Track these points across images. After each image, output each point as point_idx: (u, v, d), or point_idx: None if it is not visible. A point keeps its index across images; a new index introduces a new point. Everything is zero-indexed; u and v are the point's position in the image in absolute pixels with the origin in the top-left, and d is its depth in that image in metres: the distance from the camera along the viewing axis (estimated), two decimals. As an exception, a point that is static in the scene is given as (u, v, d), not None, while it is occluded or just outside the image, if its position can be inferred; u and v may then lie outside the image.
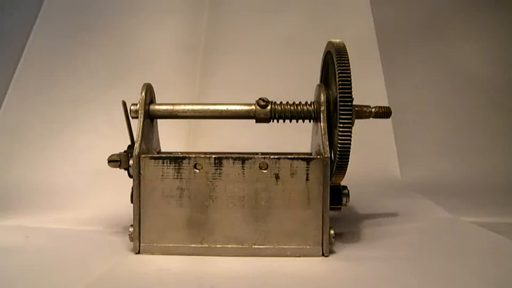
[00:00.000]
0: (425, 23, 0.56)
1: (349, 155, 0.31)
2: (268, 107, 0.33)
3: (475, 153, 0.50)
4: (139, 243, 0.31)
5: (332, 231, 0.31)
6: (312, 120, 0.34)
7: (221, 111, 0.34)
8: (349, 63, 0.31)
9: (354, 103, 0.31)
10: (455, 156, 0.49)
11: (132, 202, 0.31)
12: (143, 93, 0.33)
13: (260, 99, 0.34)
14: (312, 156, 0.31)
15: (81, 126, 0.49)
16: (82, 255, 0.31)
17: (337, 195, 0.32)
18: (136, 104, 0.33)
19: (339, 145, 0.30)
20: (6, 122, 0.50)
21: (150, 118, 0.34)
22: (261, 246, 0.31)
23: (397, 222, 0.38)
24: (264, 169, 0.31)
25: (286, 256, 0.31)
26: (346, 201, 0.33)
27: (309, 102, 0.34)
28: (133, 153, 0.31)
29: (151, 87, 0.34)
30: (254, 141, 0.41)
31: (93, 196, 0.43)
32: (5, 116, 0.51)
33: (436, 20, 0.56)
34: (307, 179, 0.31)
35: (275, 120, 0.34)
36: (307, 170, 0.30)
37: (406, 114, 0.47)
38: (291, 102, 0.34)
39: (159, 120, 0.35)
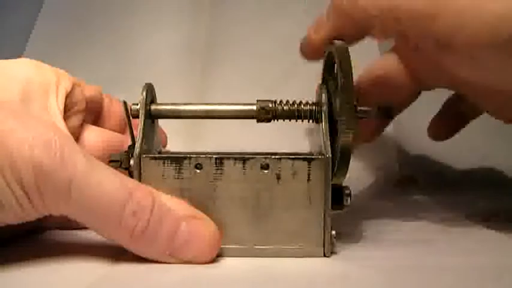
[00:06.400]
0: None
1: (350, 155, 0.31)
2: (270, 105, 0.33)
3: (476, 152, 0.50)
4: (140, 243, 0.31)
5: (333, 232, 0.31)
6: (313, 121, 0.34)
7: (222, 111, 0.34)
8: (351, 63, 0.31)
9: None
10: (455, 155, 0.49)
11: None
12: (144, 93, 0.33)
13: (260, 102, 0.34)
14: (313, 156, 0.31)
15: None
16: (82, 255, 0.31)
17: (338, 195, 0.32)
18: (137, 104, 0.33)
19: (341, 145, 0.30)
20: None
21: (151, 118, 0.33)
22: (262, 247, 0.31)
23: (397, 222, 0.38)
24: (265, 169, 0.31)
25: (288, 256, 0.31)
26: (347, 202, 0.33)
27: (310, 102, 0.34)
28: (134, 153, 0.31)
29: (152, 87, 0.34)
30: (255, 141, 0.41)
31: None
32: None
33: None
34: (308, 179, 0.30)
35: (276, 120, 0.34)
36: (309, 170, 0.30)
37: (406, 114, 0.47)
38: (291, 102, 0.34)
39: (160, 120, 0.35)
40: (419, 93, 0.40)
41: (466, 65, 0.32)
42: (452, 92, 0.42)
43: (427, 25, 0.32)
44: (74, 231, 0.35)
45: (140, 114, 0.32)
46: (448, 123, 0.44)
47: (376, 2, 0.33)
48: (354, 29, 0.36)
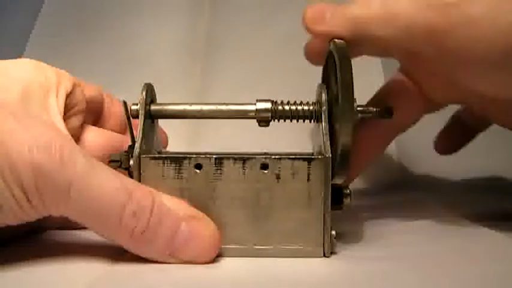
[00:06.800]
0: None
1: (350, 155, 0.31)
2: (270, 105, 0.33)
3: (476, 152, 0.50)
4: (140, 243, 0.31)
5: (333, 232, 0.31)
6: (313, 120, 0.34)
7: (221, 111, 0.34)
8: (350, 63, 0.31)
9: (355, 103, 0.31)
10: (455, 155, 0.49)
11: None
12: (144, 93, 0.33)
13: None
14: (313, 156, 0.31)
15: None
16: (82, 255, 0.31)
17: (338, 195, 0.32)
18: (137, 104, 0.33)
19: (341, 145, 0.30)
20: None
21: (151, 118, 0.33)
22: (262, 247, 0.31)
23: (397, 222, 0.38)
24: (265, 169, 0.31)
25: (288, 256, 0.31)
26: (347, 202, 0.33)
27: (310, 102, 0.34)
28: (134, 153, 0.31)
29: (152, 86, 0.34)
30: (255, 141, 0.41)
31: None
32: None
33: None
34: (308, 179, 0.30)
35: (276, 120, 0.34)
36: (309, 170, 0.30)
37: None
38: (292, 102, 0.34)
39: (160, 120, 0.35)
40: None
41: (481, 78, 0.32)
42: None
43: (441, 41, 0.31)
44: (74, 231, 0.35)
45: (140, 114, 0.32)
46: (455, 137, 0.44)
47: (388, 24, 0.32)
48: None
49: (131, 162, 0.31)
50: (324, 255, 0.31)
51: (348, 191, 0.33)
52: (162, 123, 0.36)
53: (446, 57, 0.32)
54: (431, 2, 0.31)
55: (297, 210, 0.31)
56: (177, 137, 0.41)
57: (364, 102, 0.34)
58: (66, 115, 0.32)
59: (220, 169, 0.31)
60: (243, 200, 0.31)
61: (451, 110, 0.46)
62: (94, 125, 0.36)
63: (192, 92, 0.53)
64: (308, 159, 0.31)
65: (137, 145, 0.31)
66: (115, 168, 0.30)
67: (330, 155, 0.31)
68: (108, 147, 0.35)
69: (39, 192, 0.27)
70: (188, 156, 0.31)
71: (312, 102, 0.34)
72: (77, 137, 0.34)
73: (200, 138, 0.51)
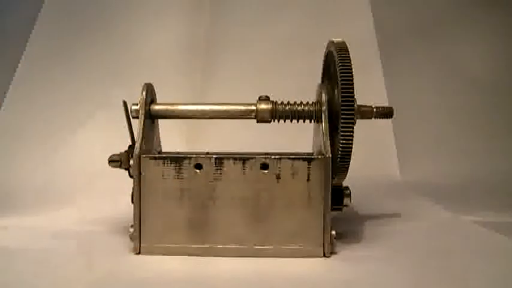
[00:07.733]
0: (426, 23, 0.56)
1: (350, 155, 0.31)
2: (270, 105, 0.33)
3: (475, 153, 0.50)
4: (140, 243, 0.31)
5: (333, 232, 0.31)
6: (313, 120, 0.34)
7: (222, 111, 0.34)
8: (350, 62, 0.31)
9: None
10: (455, 156, 0.49)
11: (132, 202, 0.31)
12: (144, 93, 0.33)
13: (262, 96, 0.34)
14: (313, 156, 0.31)
15: (81, 126, 0.49)
16: (82, 255, 0.31)
17: (338, 195, 0.32)
18: (137, 104, 0.33)
19: (341, 145, 0.30)
20: (7, 122, 0.50)
21: (151, 118, 0.34)
22: (262, 247, 0.31)
23: (397, 222, 0.38)
24: (265, 169, 0.31)
25: (287, 257, 0.31)
26: (347, 202, 0.33)
27: (310, 102, 0.34)
28: (134, 153, 0.31)
29: (152, 87, 0.34)
30: (255, 141, 0.41)
31: (93, 196, 0.43)
32: (6, 116, 0.51)
33: (436, 20, 0.56)
34: (308, 179, 0.30)
35: (276, 120, 0.34)
36: (309, 170, 0.30)
37: (406, 114, 0.47)
38: (292, 102, 0.34)
39: (160, 120, 0.35)
40: None
41: None
42: None
43: None
44: (73, 232, 0.35)
45: (140, 114, 0.32)
46: None
47: None
48: None
49: (131, 162, 0.31)
50: (324, 255, 0.31)
51: (348, 191, 0.33)
52: (162, 123, 0.36)
53: None
54: None
55: (297, 210, 0.31)
56: (177, 137, 0.41)
57: (364, 102, 0.34)
58: None
59: (220, 169, 0.31)
60: (243, 200, 0.31)
61: (451, 113, 0.46)
62: None
63: (192, 92, 0.53)
64: (308, 159, 0.31)
65: (137, 145, 0.31)
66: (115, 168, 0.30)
67: (330, 155, 0.31)
68: None
69: None
70: (188, 156, 0.31)
71: (312, 102, 0.34)
72: None
73: (200, 138, 0.51)
